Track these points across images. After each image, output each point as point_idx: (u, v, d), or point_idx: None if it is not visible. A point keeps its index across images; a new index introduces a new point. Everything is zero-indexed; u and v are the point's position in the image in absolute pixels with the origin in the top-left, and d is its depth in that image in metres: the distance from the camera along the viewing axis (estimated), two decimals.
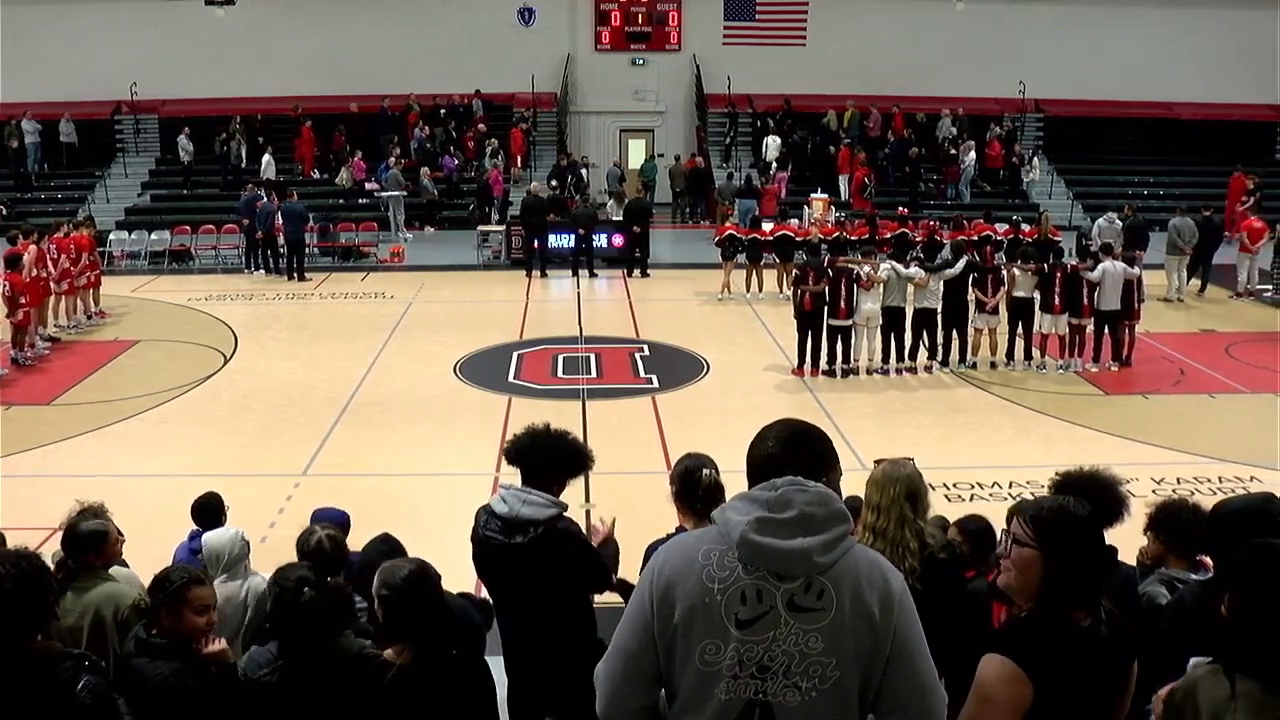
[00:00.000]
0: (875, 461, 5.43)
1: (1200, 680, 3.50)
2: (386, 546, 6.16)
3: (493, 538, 5.56)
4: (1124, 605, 4.75)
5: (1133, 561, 5.65)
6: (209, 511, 7.44)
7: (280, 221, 24.57)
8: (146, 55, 31.21)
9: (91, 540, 5.79)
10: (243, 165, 30.63)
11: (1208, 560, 5.18)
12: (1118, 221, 23.45)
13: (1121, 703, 3.64)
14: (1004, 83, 32.88)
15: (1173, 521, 5.26)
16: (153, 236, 26.78)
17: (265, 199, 25.15)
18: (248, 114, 31.80)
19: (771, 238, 22.90)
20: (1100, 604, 3.58)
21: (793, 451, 3.35)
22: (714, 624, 3.13)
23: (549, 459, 5.63)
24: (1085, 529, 3.61)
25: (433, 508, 11.49)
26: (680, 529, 5.58)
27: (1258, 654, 3.42)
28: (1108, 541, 5.27)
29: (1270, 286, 23.19)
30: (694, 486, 5.66)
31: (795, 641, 3.12)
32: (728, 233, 22.92)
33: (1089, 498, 5.17)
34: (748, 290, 22.78)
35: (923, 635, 3.26)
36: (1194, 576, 5.08)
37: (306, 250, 25.40)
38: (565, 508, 5.67)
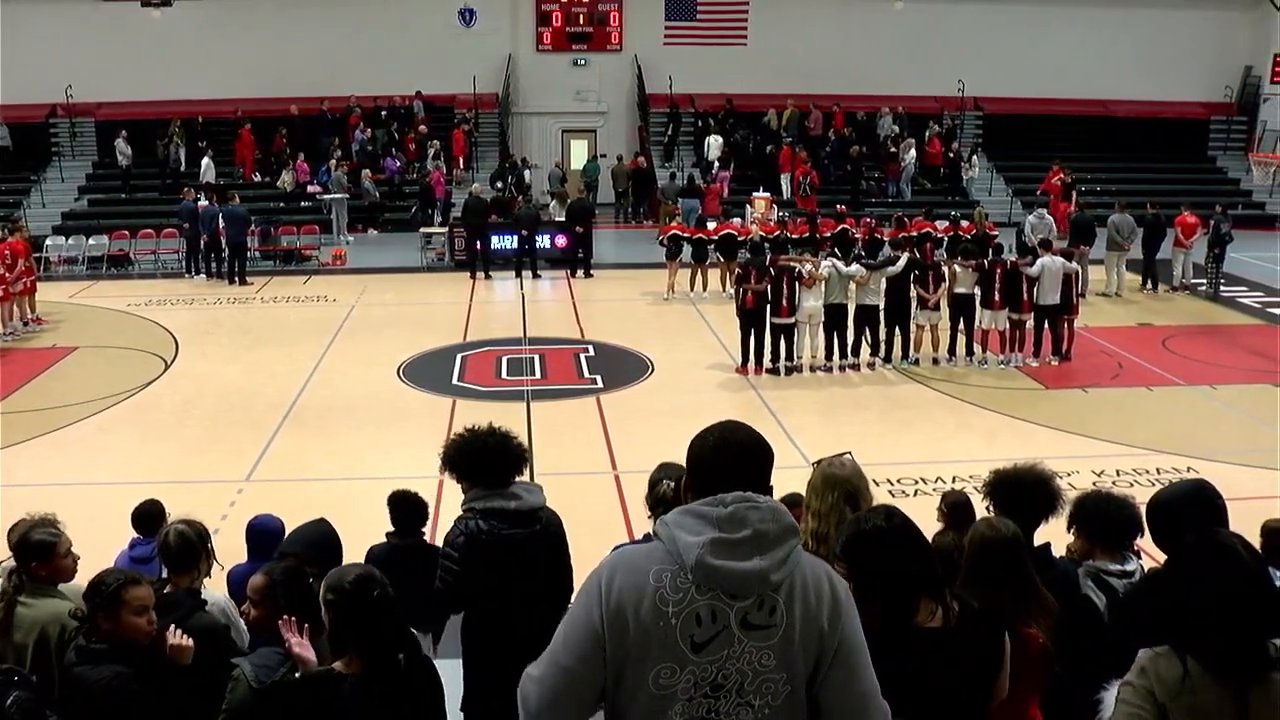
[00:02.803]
0: (815, 462, 5.39)
1: (1156, 660, 3.55)
2: (322, 527, 6.16)
3: (507, 532, 5.67)
4: (1062, 601, 4.83)
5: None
6: (149, 519, 7.36)
7: (222, 225, 24.32)
8: (82, 57, 30.73)
9: (38, 549, 5.68)
10: (182, 168, 30.30)
11: (1138, 547, 5.25)
12: (1048, 217, 23.69)
13: (999, 680, 3.69)
14: (943, 81, 33.13)
15: (1091, 515, 5.32)
16: (91, 241, 26.42)
17: (206, 202, 24.90)
18: (187, 117, 31.42)
19: (716, 237, 22.99)
20: (946, 600, 3.63)
21: (739, 461, 3.28)
22: (669, 648, 3.07)
23: (479, 462, 5.68)
24: (878, 537, 3.66)
25: (378, 512, 11.37)
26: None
27: (1206, 639, 3.48)
28: (1044, 540, 5.39)
29: (1204, 281, 23.56)
30: (651, 494, 5.85)
31: (749, 660, 3.08)
32: (672, 232, 22.99)
33: (1024, 494, 5.27)
34: (692, 289, 22.83)
35: (864, 640, 3.24)
36: (1115, 566, 5.15)
37: (248, 254, 25.15)
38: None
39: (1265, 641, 3.52)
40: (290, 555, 5.70)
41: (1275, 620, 3.63)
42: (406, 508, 7.27)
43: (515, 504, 5.70)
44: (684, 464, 3.35)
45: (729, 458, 3.29)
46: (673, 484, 5.57)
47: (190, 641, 4.91)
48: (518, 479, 5.80)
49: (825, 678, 3.15)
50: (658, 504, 5.71)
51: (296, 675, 4.51)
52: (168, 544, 5.69)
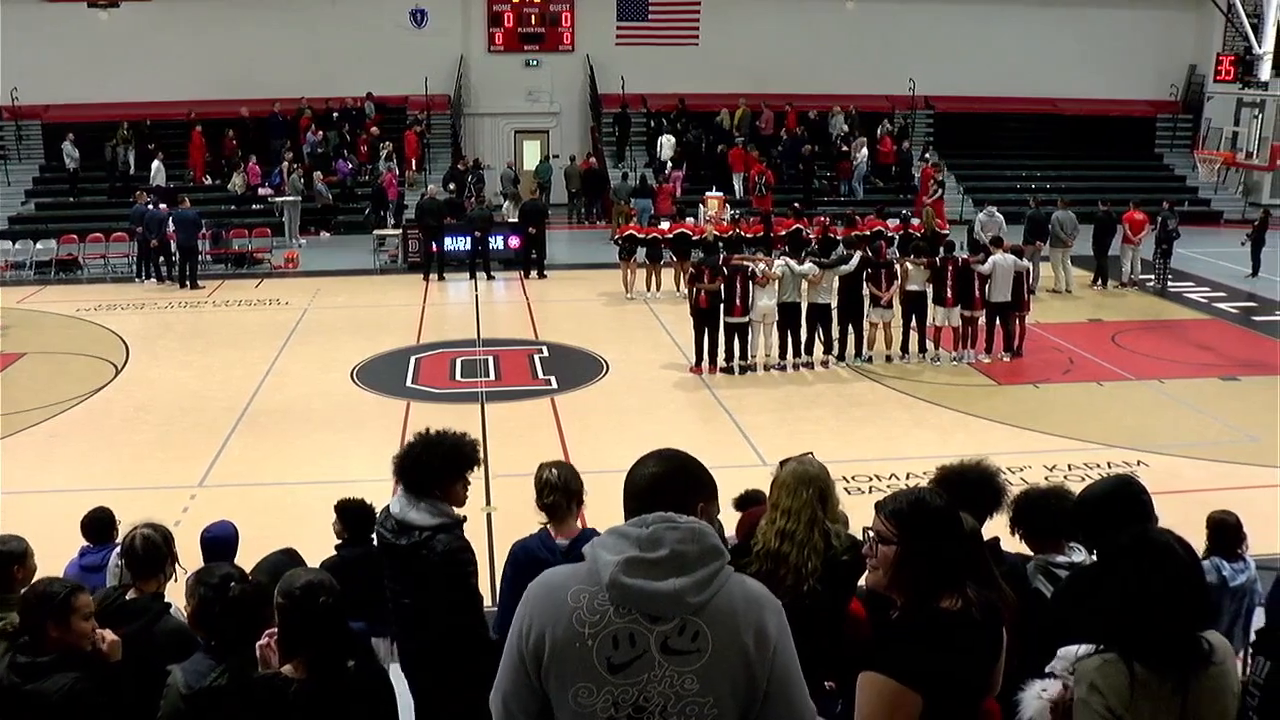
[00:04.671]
0: (781, 462, 5.39)
1: (1099, 670, 3.57)
2: (285, 558, 6.12)
3: (384, 535, 5.71)
4: (1017, 596, 4.87)
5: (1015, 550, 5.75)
6: (100, 526, 7.30)
7: (172, 229, 24.11)
8: (27, 60, 30.26)
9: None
10: (131, 172, 29.98)
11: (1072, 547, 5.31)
12: (998, 215, 23.89)
13: (998, 670, 3.72)
14: (894, 80, 33.36)
15: (1025, 513, 5.37)
16: (38, 246, 26.04)
17: (154, 206, 24.68)
18: (135, 119, 31.07)
19: (670, 236, 23.03)
20: (966, 587, 3.65)
21: (666, 484, 3.27)
22: (585, 668, 3.06)
23: (425, 468, 5.66)
24: (940, 517, 3.65)
25: (333, 515, 11.34)
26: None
27: (1139, 636, 3.52)
28: (993, 533, 5.43)
29: (1152, 276, 23.84)
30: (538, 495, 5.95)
31: (671, 683, 3.05)
32: (627, 232, 23.01)
33: (969, 490, 5.31)
34: (647, 289, 22.85)
35: (799, 669, 3.21)
36: (1062, 559, 5.21)
37: (199, 257, 24.94)
38: (454, 522, 5.70)
39: (1200, 636, 3.58)
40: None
41: (1209, 614, 3.74)
42: (355, 516, 7.23)
43: (396, 510, 5.69)
44: (613, 456, 3.42)
45: (656, 479, 3.29)
46: (556, 472, 5.83)
47: (116, 637, 4.88)
48: (439, 490, 5.70)
49: (761, 710, 3.13)
50: (542, 487, 5.89)
51: (251, 677, 4.49)
52: (134, 548, 5.63)
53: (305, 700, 4.30)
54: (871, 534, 3.70)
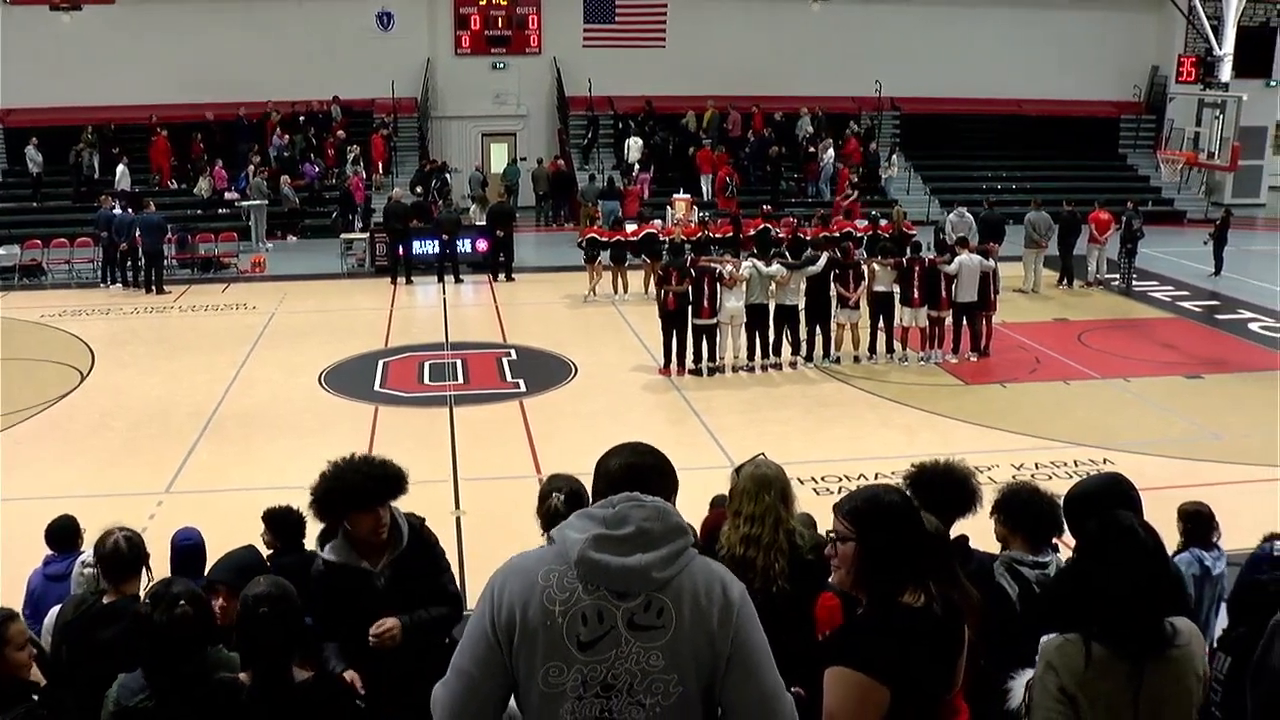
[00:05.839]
0: (736, 469, 5.39)
1: (1058, 650, 3.64)
2: (249, 554, 6.07)
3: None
4: (982, 593, 4.90)
5: (986, 547, 5.78)
6: (65, 535, 7.24)
7: (138, 233, 23.95)
8: None
9: None
10: (96, 176, 29.76)
11: (1056, 541, 5.34)
12: (968, 215, 24.03)
13: (960, 665, 3.75)
14: (860, 82, 33.47)
15: (1012, 505, 5.40)
16: (1, 251, 25.82)
17: (120, 211, 24.52)
18: (100, 123, 30.86)
19: (636, 238, 23.04)
20: (929, 582, 3.69)
21: (643, 474, 3.34)
22: (556, 647, 3.12)
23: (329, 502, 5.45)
24: (896, 512, 3.69)
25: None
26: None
27: (1103, 618, 3.58)
28: (961, 531, 5.46)
29: (1118, 276, 24.02)
30: (542, 506, 5.61)
31: (637, 660, 3.10)
32: (590, 235, 23.01)
33: (945, 490, 5.34)
34: (614, 292, 22.86)
35: (766, 644, 3.25)
36: (1029, 558, 5.24)
37: (165, 262, 24.78)
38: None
39: (1164, 620, 3.64)
40: (220, 583, 5.64)
41: (1173, 600, 3.79)
42: (283, 523, 7.12)
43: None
44: (583, 459, 3.42)
45: (627, 472, 3.35)
46: (562, 497, 5.50)
47: (27, 654, 4.79)
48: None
49: (724, 681, 3.17)
50: (549, 516, 5.48)
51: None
52: (117, 551, 5.58)
53: (250, 705, 4.31)
54: (832, 534, 3.74)
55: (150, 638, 4.48)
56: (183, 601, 4.51)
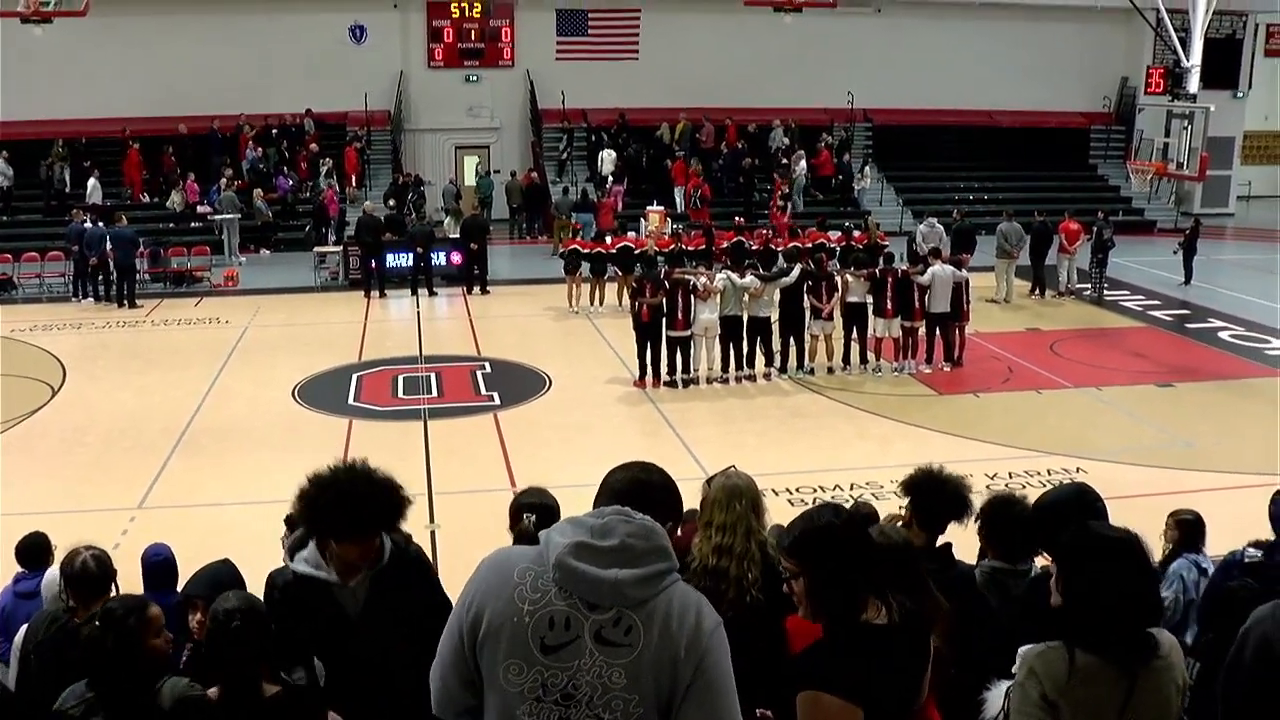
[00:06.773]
0: (707, 480, 5.38)
1: (1040, 657, 3.64)
2: (224, 568, 6.02)
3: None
4: (963, 601, 4.92)
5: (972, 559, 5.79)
6: (35, 552, 7.16)
7: (109, 247, 23.82)
8: None
9: None
10: (67, 190, 29.56)
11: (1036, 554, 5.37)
12: (938, 226, 24.12)
13: (925, 678, 3.77)
14: (833, 93, 33.58)
15: (991, 517, 5.43)
16: None
17: (92, 224, 24.38)
18: (70, 136, 30.68)
19: (614, 250, 23.07)
20: (888, 595, 3.70)
21: (636, 490, 3.37)
22: (518, 645, 3.11)
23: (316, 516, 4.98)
24: (831, 536, 3.69)
25: (275, 535, 11.22)
26: None
27: (1091, 628, 3.59)
28: (944, 539, 5.49)
29: (1089, 286, 24.16)
30: (514, 528, 5.46)
31: (599, 674, 3.08)
32: (571, 247, 23.02)
33: (946, 497, 5.38)
34: (591, 304, 22.86)
35: (730, 677, 3.19)
36: (1009, 567, 5.26)
37: (137, 276, 24.65)
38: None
39: (1150, 631, 3.66)
40: (197, 598, 5.60)
41: (1158, 608, 3.83)
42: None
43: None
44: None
45: (629, 487, 3.39)
46: (534, 518, 5.21)
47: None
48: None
49: (680, 708, 3.12)
50: (522, 540, 4.96)
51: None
52: (86, 570, 5.55)
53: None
54: (785, 574, 3.76)
55: (91, 654, 4.48)
56: (131, 620, 4.51)
